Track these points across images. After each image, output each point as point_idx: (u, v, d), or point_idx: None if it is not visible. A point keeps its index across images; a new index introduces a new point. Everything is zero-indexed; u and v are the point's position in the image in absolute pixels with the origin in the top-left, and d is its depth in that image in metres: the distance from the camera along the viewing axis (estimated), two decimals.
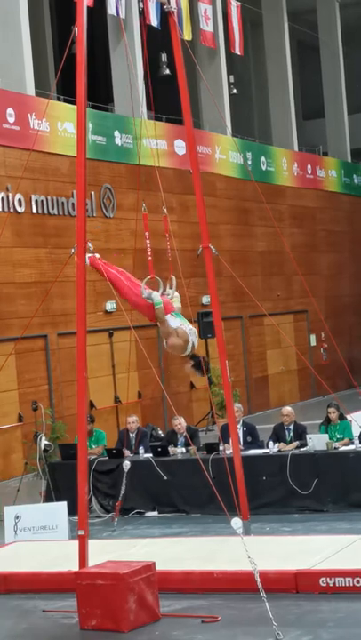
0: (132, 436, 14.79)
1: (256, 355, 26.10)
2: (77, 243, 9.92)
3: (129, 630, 8.64)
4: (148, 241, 10.52)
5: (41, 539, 12.27)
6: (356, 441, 13.57)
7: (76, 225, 10.10)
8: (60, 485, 14.02)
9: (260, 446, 14.16)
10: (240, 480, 11.69)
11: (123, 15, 21.08)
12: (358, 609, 8.80)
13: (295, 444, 13.83)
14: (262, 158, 27.26)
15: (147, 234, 10.58)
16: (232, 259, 23.13)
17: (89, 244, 9.94)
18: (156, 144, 21.08)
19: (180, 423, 14.48)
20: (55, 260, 18.93)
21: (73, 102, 17.11)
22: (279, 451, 13.67)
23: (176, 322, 10.16)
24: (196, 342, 10.22)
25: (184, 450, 14.16)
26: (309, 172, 29.76)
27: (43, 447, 14.27)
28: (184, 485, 13.66)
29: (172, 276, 10.53)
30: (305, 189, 29.32)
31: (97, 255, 10.22)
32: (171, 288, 10.46)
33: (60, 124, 19.76)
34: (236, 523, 8.93)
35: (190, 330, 10.17)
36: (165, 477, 13.70)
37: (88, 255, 10.09)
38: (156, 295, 10.01)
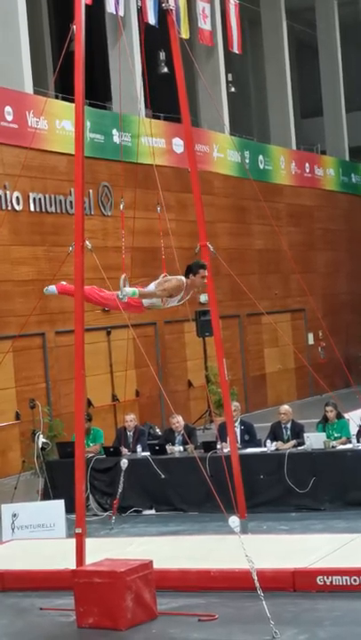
0: (130, 434, 14.78)
1: (254, 353, 26.11)
2: (75, 241, 9.91)
3: (126, 628, 8.63)
4: (123, 239, 10.61)
5: (38, 537, 12.28)
6: (354, 440, 13.57)
7: (73, 223, 10.09)
8: (57, 483, 14.02)
9: (258, 445, 14.16)
10: (238, 478, 11.70)
11: (121, 13, 21.07)
12: (355, 607, 8.81)
13: (293, 442, 13.83)
14: (260, 157, 27.26)
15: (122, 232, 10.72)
16: (230, 257, 23.11)
17: (87, 242, 9.93)
18: (151, 141, 21.05)
19: (178, 421, 14.48)
20: (53, 258, 18.92)
21: (71, 100, 17.09)
22: (277, 449, 13.67)
23: (152, 284, 10.29)
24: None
25: (182, 448, 14.16)
26: (307, 170, 29.77)
27: (40, 445, 14.27)
28: (181, 484, 13.66)
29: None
30: (303, 188, 29.33)
31: (63, 282, 10.46)
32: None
33: (57, 122, 19.75)
34: (234, 521, 8.93)
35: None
36: (163, 476, 13.70)
37: (53, 286, 10.36)
38: (128, 289, 10.08)
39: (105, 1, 20.84)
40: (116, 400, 20.71)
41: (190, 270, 10.46)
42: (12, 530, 12.52)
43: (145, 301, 10.29)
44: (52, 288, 10.64)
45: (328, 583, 9.23)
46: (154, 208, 12.76)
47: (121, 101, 15.96)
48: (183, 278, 10.38)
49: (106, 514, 13.63)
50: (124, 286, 10.09)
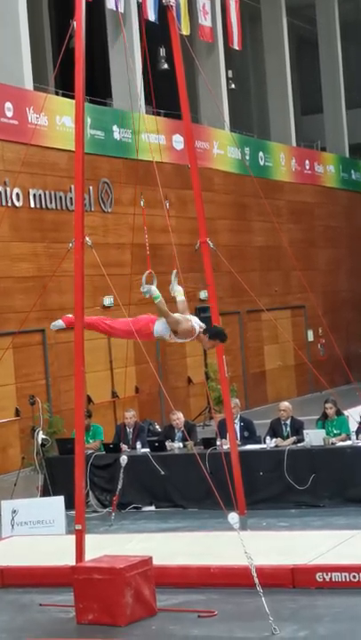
0: (130, 430, 14.79)
1: (254, 350, 26.11)
2: (75, 237, 9.91)
3: (126, 625, 8.64)
4: (146, 236, 10.52)
5: (38, 533, 12.28)
6: (353, 436, 13.58)
7: (73, 219, 10.08)
8: (57, 480, 14.02)
9: (258, 441, 14.16)
10: (237, 475, 11.71)
11: (121, 9, 21.05)
12: (354, 604, 8.81)
13: (292, 439, 13.83)
14: (260, 153, 27.25)
15: (145, 229, 10.60)
16: (230, 254, 23.10)
17: (87, 239, 9.93)
18: (151, 138, 21.03)
19: (178, 418, 14.48)
20: (53, 255, 18.92)
21: (71, 96, 17.06)
22: (276, 446, 13.67)
23: (177, 313, 10.11)
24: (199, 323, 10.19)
25: (181, 445, 14.16)
26: (307, 167, 29.76)
27: (40, 442, 14.27)
28: (181, 480, 13.67)
29: (175, 270, 10.53)
30: (303, 185, 29.31)
31: (69, 315, 10.26)
32: (176, 283, 10.46)
33: (58, 119, 19.74)
34: (233, 518, 8.93)
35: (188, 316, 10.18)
36: (163, 472, 13.70)
37: (60, 320, 10.20)
38: (155, 289, 9.93)
39: None
40: (116, 397, 20.72)
41: (210, 332, 10.19)
42: (12, 526, 12.53)
43: (156, 333, 10.12)
44: (60, 322, 10.43)
45: (327, 580, 9.24)
46: (154, 205, 12.82)
47: (131, 98, 15.95)
48: (198, 328, 10.06)
49: (105, 510, 13.63)
50: (151, 283, 9.96)
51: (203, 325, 10.12)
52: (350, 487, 12.97)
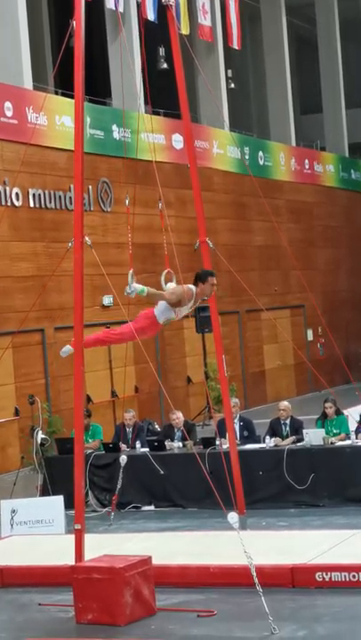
0: (129, 430, 14.78)
1: (253, 349, 26.11)
2: (75, 237, 9.90)
3: (125, 624, 8.64)
4: (130, 235, 10.54)
5: (37, 533, 12.28)
6: (353, 436, 13.58)
7: (73, 219, 10.08)
8: (56, 479, 14.01)
9: (257, 441, 14.16)
10: (237, 475, 11.69)
11: (121, 9, 21.06)
12: (354, 604, 8.81)
13: (292, 438, 13.83)
14: (260, 153, 27.25)
15: (129, 228, 10.65)
16: (229, 253, 23.10)
17: (86, 238, 9.93)
18: (150, 137, 21.04)
19: (177, 417, 14.48)
20: (52, 254, 18.92)
21: (71, 96, 17.05)
22: (276, 445, 13.67)
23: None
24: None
25: (181, 444, 14.16)
26: (307, 166, 29.76)
27: (39, 441, 14.27)
28: (181, 480, 13.66)
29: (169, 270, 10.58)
30: (302, 184, 29.31)
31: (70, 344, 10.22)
32: (171, 282, 10.51)
33: (57, 118, 19.74)
34: (233, 517, 8.93)
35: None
36: (162, 472, 13.70)
37: (68, 346, 10.19)
38: (137, 285, 10.02)
39: None
40: (116, 396, 20.71)
41: (199, 278, 10.43)
42: (11, 526, 12.53)
43: (161, 318, 10.21)
44: (68, 348, 10.36)
45: (327, 579, 9.24)
46: (153, 204, 12.79)
47: (123, 98, 15.94)
48: (193, 287, 10.35)
49: (105, 510, 13.62)
50: (132, 282, 10.03)
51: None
52: (350, 487, 12.97)
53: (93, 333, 10.70)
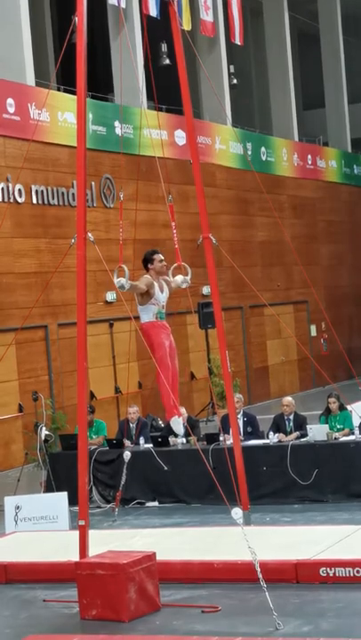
0: (133, 426, 14.79)
1: (256, 345, 26.10)
2: (77, 233, 9.91)
3: (129, 620, 8.65)
4: (121, 230, 10.60)
5: (41, 529, 12.29)
6: (357, 431, 13.56)
7: (76, 215, 10.08)
8: (60, 476, 14.02)
9: (261, 437, 14.17)
10: (240, 470, 11.69)
11: (123, 5, 21.03)
12: (358, 599, 8.81)
13: (295, 434, 13.83)
14: (262, 148, 27.23)
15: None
16: (232, 249, 23.11)
17: (89, 235, 9.93)
18: (153, 133, 21.01)
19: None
20: (55, 251, 18.92)
21: (73, 92, 17.08)
22: (279, 441, 13.67)
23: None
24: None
25: (184, 440, 14.16)
26: (310, 162, 29.73)
27: (43, 437, 14.28)
28: (184, 476, 13.67)
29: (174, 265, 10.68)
30: (305, 180, 29.28)
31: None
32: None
33: (60, 114, 19.73)
34: (237, 513, 8.93)
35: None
36: (166, 468, 13.71)
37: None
38: (124, 281, 10.09)
39: None
40: (119, 392, 20.72)
41: (146, 261, 10.65)
42: (16, 522, 12.53)
43: (146, 318, 10.45)
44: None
45: (331, 575, 9.24)
46: (156, 200, 12.82)
47: (121, 94, 15.93)
48: (147, 275, 10.53)
49: (109, 506, 13.64)
50: (123, 277, 10.11)
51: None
52: (354, 482, 12.96)
53: (165, 398, 10.64)
